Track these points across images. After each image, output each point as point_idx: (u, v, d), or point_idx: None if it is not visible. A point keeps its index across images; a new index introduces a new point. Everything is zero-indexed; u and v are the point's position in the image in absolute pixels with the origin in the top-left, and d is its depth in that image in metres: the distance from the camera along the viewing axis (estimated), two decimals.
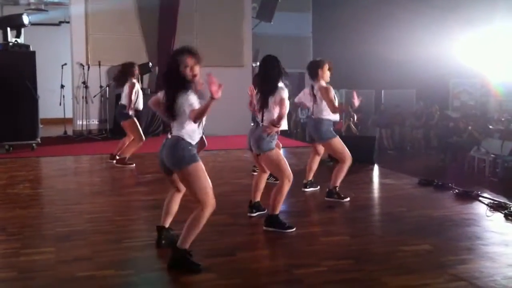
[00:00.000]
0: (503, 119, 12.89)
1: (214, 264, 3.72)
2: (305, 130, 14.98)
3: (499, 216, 4.94)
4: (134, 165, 7.47)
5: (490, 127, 12.88)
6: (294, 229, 4.53)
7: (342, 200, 5.47)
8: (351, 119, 12.09)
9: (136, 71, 7.53)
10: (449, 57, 14.40)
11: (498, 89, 14.83)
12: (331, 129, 5.69)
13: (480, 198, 5.61)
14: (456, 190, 5.94)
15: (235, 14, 12.65)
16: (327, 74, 5.73)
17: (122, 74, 7.43)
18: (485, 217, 4.94)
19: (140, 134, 7.46)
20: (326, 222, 4.76)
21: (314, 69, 5.75)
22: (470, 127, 12.24)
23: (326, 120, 5.65)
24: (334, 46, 15.89)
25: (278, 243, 4.32)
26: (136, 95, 7.28)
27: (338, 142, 5.64)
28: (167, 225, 3.97)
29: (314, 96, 5.74)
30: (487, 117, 14.03)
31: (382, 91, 15.55)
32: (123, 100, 7.33)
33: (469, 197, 5.71)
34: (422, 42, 14.18)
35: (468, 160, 11.66)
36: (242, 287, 3.42)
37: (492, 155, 10.90)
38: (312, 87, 5.80)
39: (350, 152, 6.70)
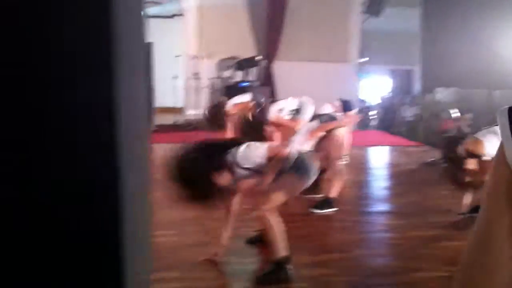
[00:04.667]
0: None
1: (331, 259, 3.71)
2: (411, 129, 14.53)
3: None
4: None
5: None
6: None
7: None
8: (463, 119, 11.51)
9: None
10: None
11: None
12: None
13: None
14: None
15: (344, 8, 12.49)
16: None
17: None
18: None
19: None
20: (445, 226, 4.57)
21: None
22: None
23: None
24: (444, 42, 15.24)
25: (393, 243, 4.23)
26: None
27: None
28: None
29: None
30: None
31: (496, 91, 14.68)
32: None
33: None
34: None
35: None
36: (359, 285, 3.39)
37: None
38: None
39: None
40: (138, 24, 1.14)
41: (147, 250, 1.35)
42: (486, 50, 13.15)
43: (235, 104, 7.69)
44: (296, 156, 3.33)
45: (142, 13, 1.15)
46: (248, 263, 3.57)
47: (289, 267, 3.26)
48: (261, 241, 3.77)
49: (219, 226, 4.28)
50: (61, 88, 1.02)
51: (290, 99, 6.78)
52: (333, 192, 4.89)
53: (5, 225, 1.03)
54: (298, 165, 3.30)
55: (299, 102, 6.60)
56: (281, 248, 3.28)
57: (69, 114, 1.03)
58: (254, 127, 5.53)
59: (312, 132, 4.77)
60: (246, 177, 3.31)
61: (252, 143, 3.46)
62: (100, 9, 0.99)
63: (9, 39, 0.98)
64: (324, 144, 4.95)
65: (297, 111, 6.55)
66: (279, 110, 6.60)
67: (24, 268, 1.05)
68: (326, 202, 4.84)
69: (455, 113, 8.89)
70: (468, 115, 11.89)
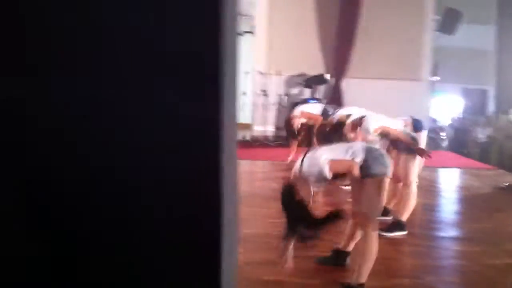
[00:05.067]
0: None
1: (401, 285, 3.61)
2: (484, 151, 14.00)
3: None
4: None
5: None
6: None
7: None
8: None
9: None
10: None
11: None
12: None
13: None
14: None
15: (417, 26, 12.29)
16: None
17: None
18: None
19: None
20: None
21: None
22: None
23: None
24: None
25: (467, 271, 4.05)
26: None
27: None
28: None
29: None
30: None
31: None
32: None
33: None
34: None
35: None
36: None
37: None
38: None
39: None
40: (234, 40, 1.22)
41: (235, 262, 1.39)
42: None
43: (303, 112, 7.69)
44: (365, 157, 3.12)
45: (236, 30, 1.23)
46: (316, 285, 3.53)
47: None
48: (333, 262, 3.73)
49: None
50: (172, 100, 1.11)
51: (354, 108, 6.60)
52: (404, 215, 4.77)
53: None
54: (371, 165, 3.11)
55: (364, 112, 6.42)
56: (364, 274, 3.22)
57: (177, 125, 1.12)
58: (332, 132, 5.43)
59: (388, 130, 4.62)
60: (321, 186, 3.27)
61: (309, 155, 3.27)
62: (213, 25, 1.08)
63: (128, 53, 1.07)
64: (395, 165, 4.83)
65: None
66: (347, 116, 6.41)
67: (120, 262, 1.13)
68: (397, 225, 4.73)
69: None
70: None
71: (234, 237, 1.41)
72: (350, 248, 3.69)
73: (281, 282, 3.54)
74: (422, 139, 6.21)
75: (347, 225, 3.73)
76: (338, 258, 3.73)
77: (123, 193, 1.10)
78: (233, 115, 1.28)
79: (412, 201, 4.84)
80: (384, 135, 4.74)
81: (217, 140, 1.13)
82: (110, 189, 1.10)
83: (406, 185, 4.84)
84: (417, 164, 4.87)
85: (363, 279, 3.20)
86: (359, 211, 3.25)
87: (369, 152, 3.16)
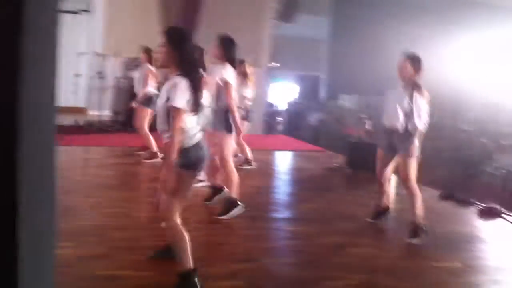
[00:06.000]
0: None
1: (240, 270, 3.57)
2: (316, 134, 14.86)
3: None
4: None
5: (503, 143, 12.72)
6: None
7: None
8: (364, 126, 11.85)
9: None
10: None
11: None
12: None
13: (504, 215, 5.50)
14: (480, 206, 5.79)
15: (256, 14, 12.53)
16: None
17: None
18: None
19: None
20: (350, 232, 4.60)
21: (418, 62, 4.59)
22: (483, 140, 12.11)
23: None
24: (350, 51, 15.75)
25: (303, 250, 4.15)
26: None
27: None
28: None
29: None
30: (500, 130, 13.88)
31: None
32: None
33: (492, 213, 5.57)
34: (441, 52, 14.09)
35: (480, 174, 11.51)
36: None
37: (503, 170, 10.77)
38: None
39: (361, 160, 6.79)
40: (51, 18, 1.06)
41: (49, 266, 1.24)
42: (390, 60, 13.71)
43: None
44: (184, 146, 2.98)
45: (56, 6, 1.08)
46: (151, 276, 3.34)
47: (197, 280, 3.08)
48: (168, 254, 3.55)
49: (122, 237, 4.03)
50: None
51: None
52: (233, 192, 4.72)
53: None
54: (189, 157, 3.00)
55: None
56: (186, 260, 3.08)
57: None
58: None
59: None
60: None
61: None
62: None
63: None
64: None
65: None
66: None
67: None
68: (230, 204, 4.67)
69: (363, 119, 9.10)
70: (368, 122, 12.31)
71: (49, 235, 1.24)
72: None
73: (115, 276, 3.30)
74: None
75: None
76: (171, 249, 3.58)
77: None
78: (49, 99, 1.14)
79: (234, 177, 4.78)
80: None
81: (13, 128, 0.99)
82: None
83: (223, 161, 4.76)
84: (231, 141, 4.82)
85: (188, 265, 3.07)
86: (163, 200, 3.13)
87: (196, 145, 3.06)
